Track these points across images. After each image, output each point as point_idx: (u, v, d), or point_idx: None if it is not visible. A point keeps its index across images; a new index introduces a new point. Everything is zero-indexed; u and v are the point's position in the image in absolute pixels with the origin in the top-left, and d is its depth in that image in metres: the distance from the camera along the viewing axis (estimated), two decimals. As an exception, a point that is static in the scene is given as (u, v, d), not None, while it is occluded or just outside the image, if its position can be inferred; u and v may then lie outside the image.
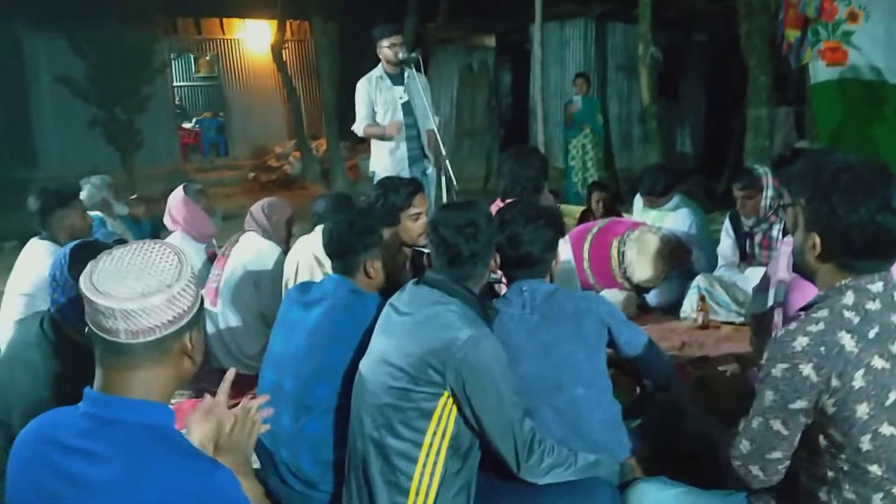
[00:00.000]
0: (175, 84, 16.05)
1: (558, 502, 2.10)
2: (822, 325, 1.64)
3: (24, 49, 12.57)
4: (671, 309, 4.65)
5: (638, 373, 2.57)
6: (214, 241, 4.60)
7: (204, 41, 15.40)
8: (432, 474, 2.05)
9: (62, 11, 10.70)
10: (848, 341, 1.61)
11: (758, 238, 4.45)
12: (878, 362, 1.60)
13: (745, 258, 4.54)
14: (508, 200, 3.43)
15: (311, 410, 2.35)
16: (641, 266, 4.57)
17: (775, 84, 7.48)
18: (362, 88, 4.99)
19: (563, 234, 2.58)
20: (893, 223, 1.63)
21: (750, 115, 7.22)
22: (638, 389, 2.69)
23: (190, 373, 1.46)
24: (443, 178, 4.92)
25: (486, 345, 2.05)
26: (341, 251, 2.52)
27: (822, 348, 1.61)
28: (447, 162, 4.79)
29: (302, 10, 12.95)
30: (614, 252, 4.61)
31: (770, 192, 4.26)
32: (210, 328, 3.85)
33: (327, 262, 2.73)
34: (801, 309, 1.77)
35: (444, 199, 4.95)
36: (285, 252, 3.82)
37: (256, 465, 2.45)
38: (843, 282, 1.70)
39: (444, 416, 2.05)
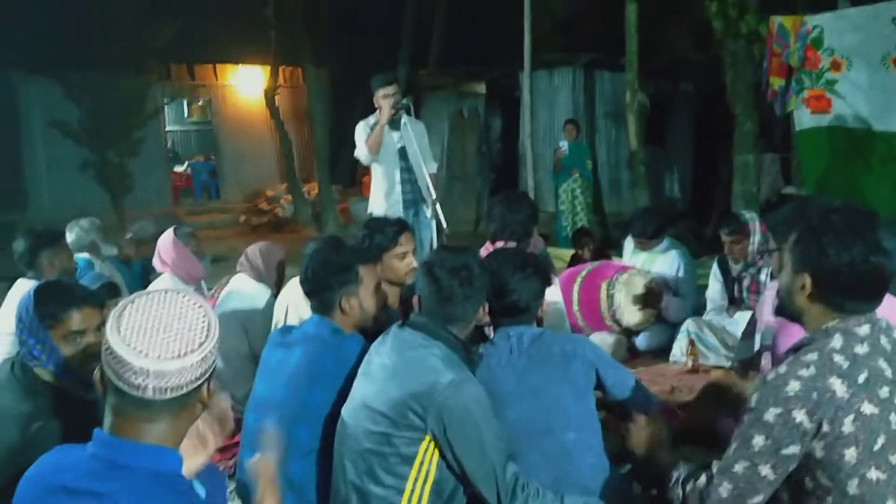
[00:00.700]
0: (168, 128, 16.14)
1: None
2: (812, 370, 1.63)
3: (18, 94, 12.68)
4: (661, 352, 4.63)
5: (627, 414, 2.55)
6: (203, 284, 4.59)
7: (197, 86, 15.54)
8: (415, 520, 2.02)
9: (57, 58, 10.84)
10: (839, 387, 1.61)
11: (746, 282, 4.47)
12: (867, 408, 1.60)
13: (734, 302, 4.56)
14: (498, 244, 3.45)
15: (292, 453, 2.31)
16: (630, 309, 4.57)
17: (761, 131, 7.59)
18: (361, 128, 5.11)
19: (549, 283, 2.59)
20: (884, 263, 1.66)
21: (737, 161, 7.31)
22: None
23: (199, 416, 1.47)
24: (433, 222, 4.97)
25: (468, 389, 2.04)
26: (316, 288, 2.52)
27: (815, 394, 1.61)
28: (438, 205, 4.84)
29: (295, 57, 13.13)
30: (603, 295, 4.62)
31: (757, 237, 4.30)
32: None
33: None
34: (789, 350, 1.77)
35: (435, 243, 4.98)
36: (276, 295, 3.81)
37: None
38: (830, 324, 1.70)
39: (427, 462, 2.03)
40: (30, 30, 10.28)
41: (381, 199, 5.16)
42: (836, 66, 5.98)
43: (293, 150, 13.94)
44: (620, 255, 5.54)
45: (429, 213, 5.14)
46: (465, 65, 12.76)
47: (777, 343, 2.70)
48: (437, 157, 12.26)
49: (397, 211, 5.01)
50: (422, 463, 2.03)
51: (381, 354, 2.18)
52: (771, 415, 1.64)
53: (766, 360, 2.80)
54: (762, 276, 4.36)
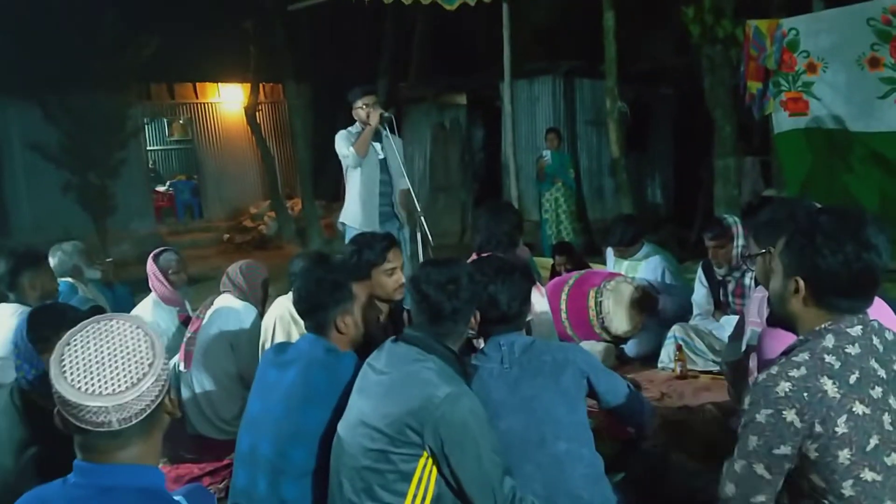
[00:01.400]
0: (149, 148, 16.04)
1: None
2: (803, 370, 1.64)
3: (-5, 117, 12.55)
4: (649, 359, 4.65)
5: (620, 420, 2.55)
6: (188, 305, 4.55)
7: (177, 105, 15.46)
8: (415, 539, 2.00)
9: (35, 80, 10.73)
10: (830, 387, 1.61)
11: (731, 286, 4.48)
12: (859, 408, 1.60)
13: (720, 307, 4.57)
14: (484, 254, 3.45)
15: (286, 474, 2.30)
16: (618, 316, 4.58)
17: (740, 134, 7.65)
18: (342, 137, 5.03)
19: (534, 283, 2.59)
20: (876, 260, 1.67)
21: (718, 165, 7.37)
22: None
23: (168, 423, 1.47)
24: (419, 235, 4.95)
25: (465, 402, 2.03)
26: (311, 308, 2.50)
27: (805, 394, 1.61)
28: (422, 218, 4.82)
29: (275, 74, 13.10)
30: (591, 303, 4.63)
31: (741, 241, 4.30)
32: (185, 392, 3.77)
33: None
34: (783, 353, 1.77)
35: (421, 256, 4.96)
36: (261, 313, 3.79)
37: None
38: (822, 325, 1.71)
39: (425, 479, 2.01)
40: (6, 51, 10.18)
41: (358, 207, 5.04)
42: (812, 67, 6.05)
43: (276, 166, 13.89)
44: (604, 264, 5.55)
45: (405, 229, 5.13)
46: (445, 76, 12.79)
47: (762, 345, 2.70)
48: (420, 170, 12.37)
49: (373, 222, 4.97)
50: (420, 480, 2.01)
51: (376, 370, 2.17)
52: (762, 415, 1.64)
53: (753, 362, 2.80)
54: (747, 280, 4.37)
